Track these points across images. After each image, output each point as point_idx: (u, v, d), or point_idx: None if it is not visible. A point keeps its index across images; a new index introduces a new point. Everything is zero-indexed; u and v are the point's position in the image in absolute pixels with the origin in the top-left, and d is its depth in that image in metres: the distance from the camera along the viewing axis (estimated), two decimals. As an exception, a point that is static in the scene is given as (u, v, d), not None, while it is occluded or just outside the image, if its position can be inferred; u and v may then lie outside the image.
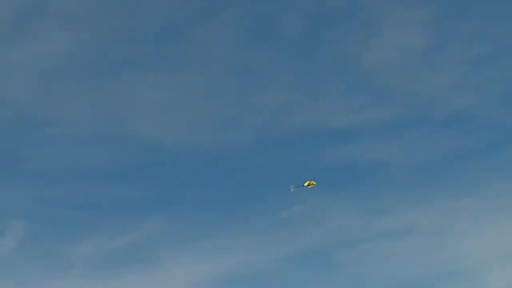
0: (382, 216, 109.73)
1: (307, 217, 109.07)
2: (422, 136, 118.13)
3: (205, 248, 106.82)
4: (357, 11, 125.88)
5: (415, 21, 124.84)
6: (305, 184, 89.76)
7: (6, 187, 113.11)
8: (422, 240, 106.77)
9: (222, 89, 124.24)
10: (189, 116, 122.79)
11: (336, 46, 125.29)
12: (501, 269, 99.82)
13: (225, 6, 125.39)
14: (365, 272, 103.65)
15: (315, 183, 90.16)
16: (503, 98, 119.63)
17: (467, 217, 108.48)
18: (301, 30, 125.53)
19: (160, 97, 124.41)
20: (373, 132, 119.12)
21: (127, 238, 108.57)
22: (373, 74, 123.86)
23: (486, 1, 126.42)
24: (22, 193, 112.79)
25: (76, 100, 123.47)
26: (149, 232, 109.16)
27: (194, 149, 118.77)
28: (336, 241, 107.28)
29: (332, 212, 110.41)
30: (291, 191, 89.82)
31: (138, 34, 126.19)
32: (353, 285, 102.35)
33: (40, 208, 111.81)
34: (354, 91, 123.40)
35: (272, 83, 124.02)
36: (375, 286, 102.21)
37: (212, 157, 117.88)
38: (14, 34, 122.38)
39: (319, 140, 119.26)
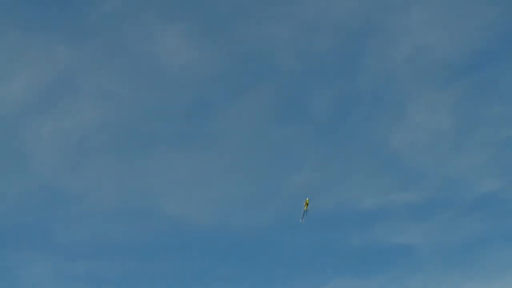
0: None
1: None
2: (450, 219, 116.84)
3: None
4: (385, 93, 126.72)
5: (442, 103, 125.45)
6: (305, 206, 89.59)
7: (30, 261, 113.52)
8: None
9: (249, 168, 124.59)
10: (216, 194, 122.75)
11: (363, 127, 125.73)
12: None
13: (253, 84, 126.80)
14: None
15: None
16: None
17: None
18: (329, 110, 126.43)
19: (188, 174, 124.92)
20: (400, 214, 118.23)
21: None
22: (400, 156, 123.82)
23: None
24: (45, 268, 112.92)
25: (103, 175, 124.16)
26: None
27: (221, 227, 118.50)
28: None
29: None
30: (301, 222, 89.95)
31: (166, 110, 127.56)
32: None
33: (62, 284, 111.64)
34: (381, 172, 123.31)
35: (300, 162, 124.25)
36: None
37: (238, 236, 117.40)
38: (43, 108, 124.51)
39: (345, 222, 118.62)
